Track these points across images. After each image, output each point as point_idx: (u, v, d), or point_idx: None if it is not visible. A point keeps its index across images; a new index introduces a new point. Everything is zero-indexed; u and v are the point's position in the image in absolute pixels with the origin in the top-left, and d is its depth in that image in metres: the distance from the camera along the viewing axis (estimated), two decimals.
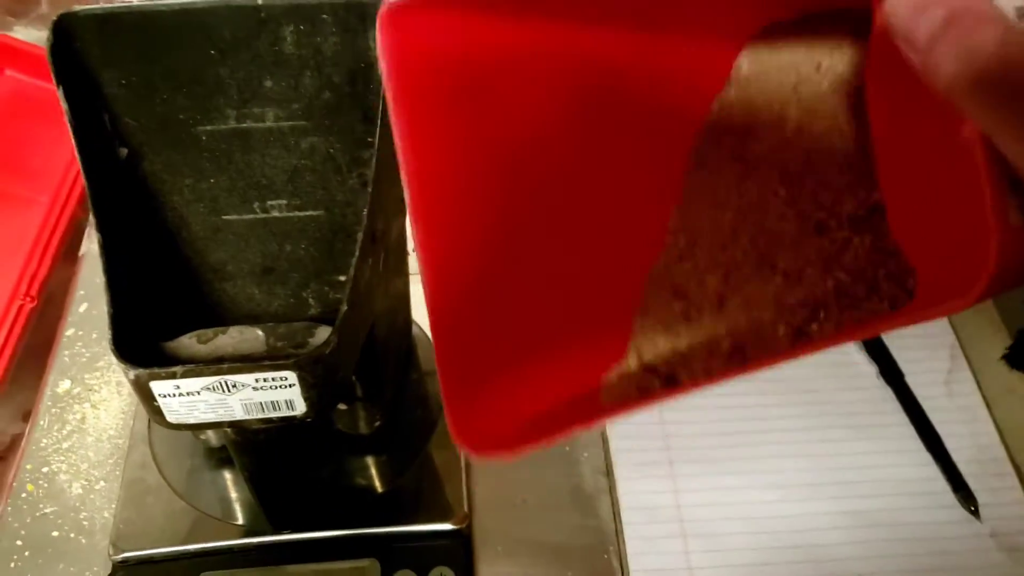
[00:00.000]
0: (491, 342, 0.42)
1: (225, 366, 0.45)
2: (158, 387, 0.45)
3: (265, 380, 0.46)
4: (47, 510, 0.64)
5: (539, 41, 0.43)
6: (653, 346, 0.46)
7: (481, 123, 0.42)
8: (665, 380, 0.44)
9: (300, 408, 0.47)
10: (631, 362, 0.46)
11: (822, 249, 0.43)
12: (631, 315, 0.47)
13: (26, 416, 0.71)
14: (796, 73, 0.48)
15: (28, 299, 0.71)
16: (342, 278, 0.57)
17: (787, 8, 0.47)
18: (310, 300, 0.59)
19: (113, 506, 0.63)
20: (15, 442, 0.72)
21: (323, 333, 0.52)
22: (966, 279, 0.29)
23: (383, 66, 0.37)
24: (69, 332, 0.71)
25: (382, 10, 0.37)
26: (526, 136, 0.43)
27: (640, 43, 0.46)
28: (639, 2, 0.44)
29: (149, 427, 0.67)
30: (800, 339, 0.42)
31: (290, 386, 0.46)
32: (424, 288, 0.40)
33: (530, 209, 0.44)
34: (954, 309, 0.30)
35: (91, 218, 0.47)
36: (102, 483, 0.65)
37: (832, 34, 0.47)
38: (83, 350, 0.70)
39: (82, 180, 0.39)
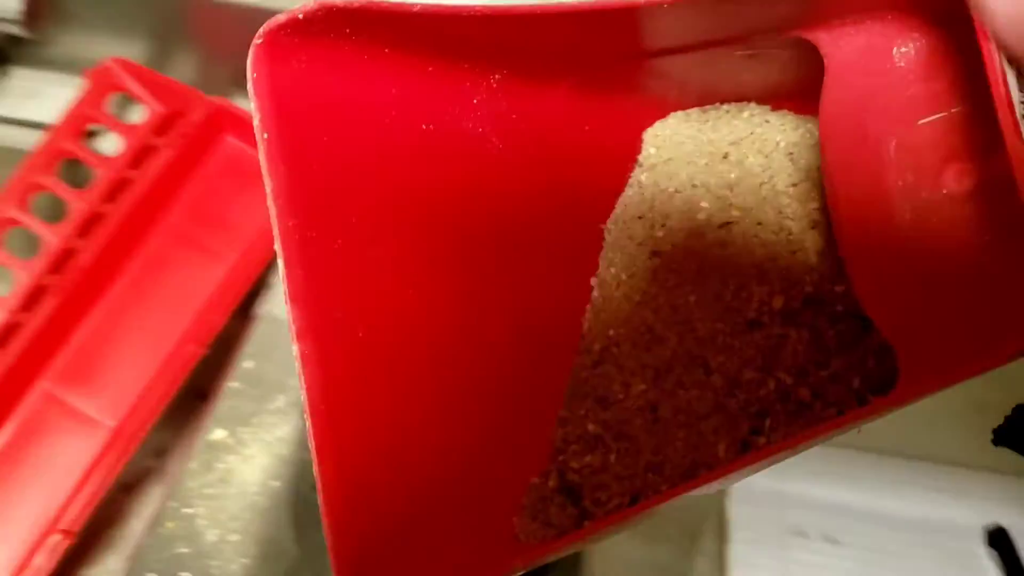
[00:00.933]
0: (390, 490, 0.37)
1: None
2: None
3: None
4: (182, 550, 0.67)
5: (445, 99, 0.40)
6: (578, 462, 0.42)
7: (366, 187, 0.38)
8: (592, 503, 0.40)
9: None
10: (551, 482, 0.42)
11: (759, 347, 0.41)
12: (550, 428, 0.43)
13: (159, 452, 0.75)
14: (709, 153, 0.46)
15: (199, 347, 0.74)
16: None
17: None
18: None
19: (243, 560, 0.66)
20: (145, 474, 0.76)
21: None
22: (987, 340, 0.29)
23: (256, 106, 0.33)
24: (232, 385, 0.75)
25: (260, 35, 0.33)
26: (415, 213, 0.40)
27: (551, 110, 0.43)
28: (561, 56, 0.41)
29: (293, 490, 0.70)
30: (747, 452, 0.39)
31: None
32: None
33: (421, 302, 0.40)
34: (975, 371, 0.29)
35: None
36: (236, 536, 0.68)
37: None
38: (241, 404, 0.74)
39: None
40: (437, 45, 0.38)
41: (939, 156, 0.36)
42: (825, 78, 0.38)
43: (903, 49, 0.36)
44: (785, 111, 0.46)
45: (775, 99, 0.46)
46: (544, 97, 0.43)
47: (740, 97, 0.47)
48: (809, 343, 0.40)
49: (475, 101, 0.40)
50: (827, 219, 0.41)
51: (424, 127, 0.39)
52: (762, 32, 0.39)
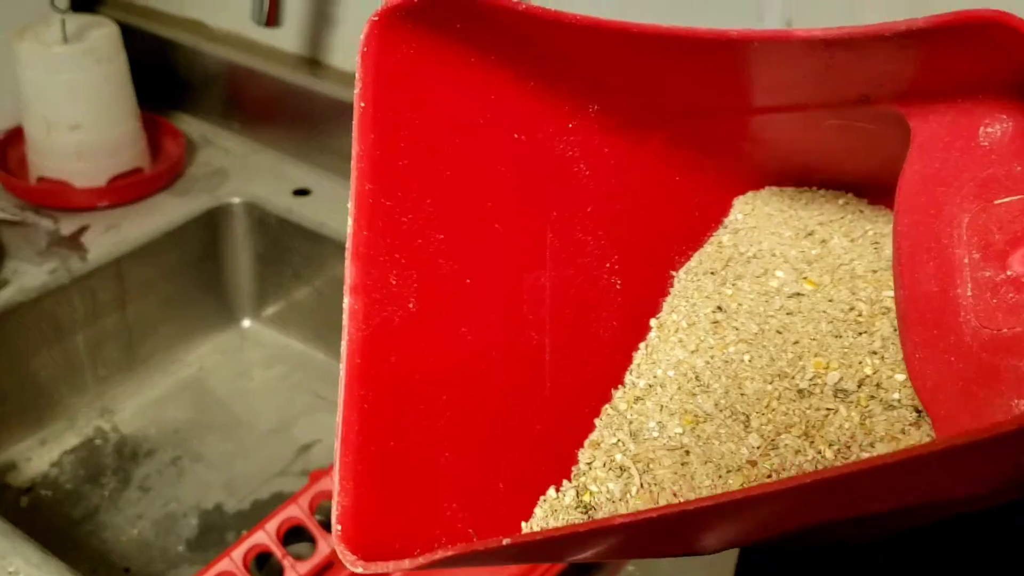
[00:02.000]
0: (413, 452, 0.37)
1: None
2: None
3: None
4: None
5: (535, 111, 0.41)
6: (598, 486, 0.41)
7: (447, 177, 0.39)
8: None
9: None
10: (567, 498, 0.41)
11: (804, 415, 0.40)
12: (577, 446, 0.42)
13: None
14: (795, 227, 0.46)
15: None
16: None
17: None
18: None
19: None
20: None
21: None
22: None
23: (360, 76, 0.36)
24: None
25: (377, 13, 0.36)
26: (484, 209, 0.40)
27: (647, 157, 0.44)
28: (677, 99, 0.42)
29: None
30: None
31: None
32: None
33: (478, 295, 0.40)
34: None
35: None
36: None
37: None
38: None
39: None
40: (542, 58, 0.39)
41: (1009, 237, 0.36)
42: (910, 151, 0.38)
43: (989, 129, 0.36)
44: (882, 207, 0.47)
45: (873, 193, 0.47)
46: (640, 139, 0.44)
47: (838, 184, 0.48)
48: (857, 424, 0.39)
49: (570, 126, 0.42)
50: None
51: (515, 136, 0.41)
52: (856, 101, 0.39)
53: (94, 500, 0.88)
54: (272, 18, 0.94)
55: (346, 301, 0.36)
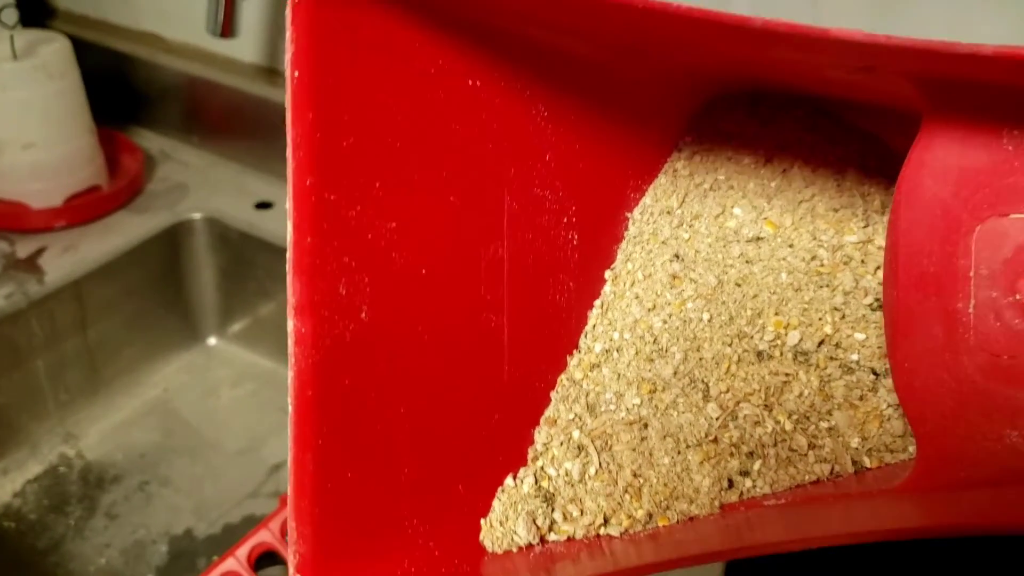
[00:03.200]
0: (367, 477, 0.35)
1: None
2: None
3: None
4: None
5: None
6: (556, 469, 0.39)
7: (399, 156, 0.35)
8: (563, 517, 0.37)
9: None
10: (525, 485, 0.39)
11: (763, 382, 0.38)
12: (533, 425, 0.40)
13: None
14: (752, 152, 0.43)
15: None
16: None
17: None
18: None
19: None
20: None
21: None
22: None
23: (292, 38, 0.30)
24: None
25: None
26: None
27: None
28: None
29: None
30: (729, 492, 0.36)
31: None
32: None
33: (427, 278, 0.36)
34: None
35: None
36: None
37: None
38: None
39: None
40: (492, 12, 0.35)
41: (1021, 259, 0.32)
42: (919, 136, 0.34)
43: (1016, 132, 0.32)
44: (845, 120, 0.43)
45: (839, 106, 0.44)
46: (600, 66, 0.40)
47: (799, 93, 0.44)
48: (816, 391, 0.37)
49: (527, 62, 0.37)
50: (863, 258, 0.39)
51: (470, 83, 0.36)
52: (857, 68, 0.34)
53: (59, 530, 0.85)
54: (227, 28, 0.91)
55: (291, 324, 0.32)
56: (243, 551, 0.69)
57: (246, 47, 1.01)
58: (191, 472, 0.90)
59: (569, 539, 0.37)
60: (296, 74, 0.31)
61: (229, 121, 1.04)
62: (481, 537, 0.38)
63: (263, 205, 0.99)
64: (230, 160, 1.06)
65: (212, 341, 1.04)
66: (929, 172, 0.33)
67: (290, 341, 0.33)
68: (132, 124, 1.10)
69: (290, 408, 0.32)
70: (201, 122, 1.07)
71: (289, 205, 0.32)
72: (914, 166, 0.34)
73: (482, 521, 0.38)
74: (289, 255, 0.32)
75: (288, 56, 0.31)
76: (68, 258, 0.92)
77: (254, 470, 0.90)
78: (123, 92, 1.09)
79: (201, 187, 1.03)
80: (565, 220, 0.41)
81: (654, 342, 0.40)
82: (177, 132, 1.09)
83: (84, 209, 0.96)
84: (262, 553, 0.70)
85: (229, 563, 0.68)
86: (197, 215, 0.99)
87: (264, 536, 0.70)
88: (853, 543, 0.29)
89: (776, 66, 0.37)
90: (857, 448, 0.36)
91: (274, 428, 0.94)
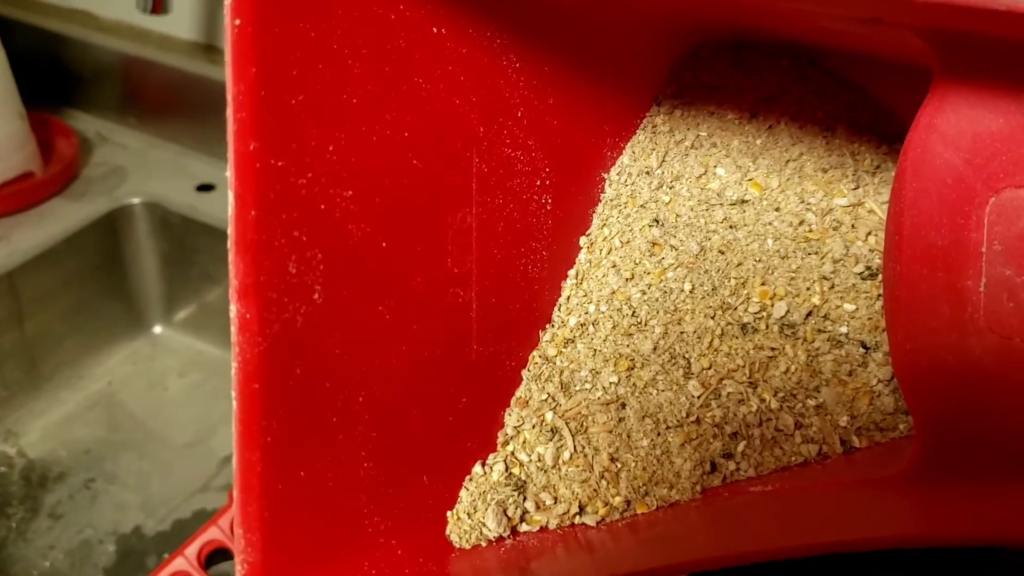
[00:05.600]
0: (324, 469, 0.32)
1: None
2: None
3: None
4: None
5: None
6: (528, 454, 0.36)
7: (355, 110, 0.31)
8: (536, 506, 0.35)
9: None
10: (495, 473, 0.36)
11: (748, 357, 0.35)
12: (503, 407, 0.38)
13: None
14: (736, 106, 0.41)
15: None
16: None
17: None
18: None
19: None
20: None
21: None
22: None
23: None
24: None
25: None
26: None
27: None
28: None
29: None
30: (712, 477, 0.34)
31: None
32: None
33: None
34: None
35: None
36: None
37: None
38: None
39: None
40: None
41: None
42: (929, 96, 0.30)
43: None
44: (833, 72, 0.41)
45: (826, 56, 0.41)
46: (573, 9, 0.37)
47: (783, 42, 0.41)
48: (803, 365, 0.35)
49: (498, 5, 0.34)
50: (853, 222, 0.36)
51: (435, 30, 0.33)
52: (864, 20, 0.31)
53: (0, 532, 0.81)
54: (159, 5, 0.88)
55: (233, 310, 0.29)
56: (192, 549, 0.66)
57: (182, 24, 0.97)
58: (138, 467, 0.87)
59: (542, 529, 0.35)
60: (237, 22, 0.27)
61: (167, 101, 1.00)
62: (448, 532, 0.35)
63: (205, 187, 0.96)
64: (169, 141, 1.02)
65: (157, 330, 1.00)
66: (940, 137, 0.30)
67: (233, 328, 0.29)
68: (66, 106, 1.06)
69: (234, 404, 0.29)
70: (138, 103, 1.03)
71: (230, 174, 0.28)
72: (923, 130, 0.31)
73: (448, 514, 0.36)
74: (231, 231, 0.29)
75: (228, 1, 0.27)
76: (0, 249, 0.88)
77: (204, 463, 0.87)
78: (55, 73, 1.05)
79: (140, 170, 0.99)
80: (538, 183, 0.38)
81: (632, 315, 0.38)
82: (113, 114, 1.05)
83: (16, 197, 0.92)
84: (213, 550, 0.67)
85: (178, 563, 0.65)
86: (136, 200, 0.95)
87: (214, 533, 0.67)
88: (855, 550, 0.27)
89: (772, 12, 0.34)
90: (846, 427, 0.34)
91: (224, 418, 0.91)
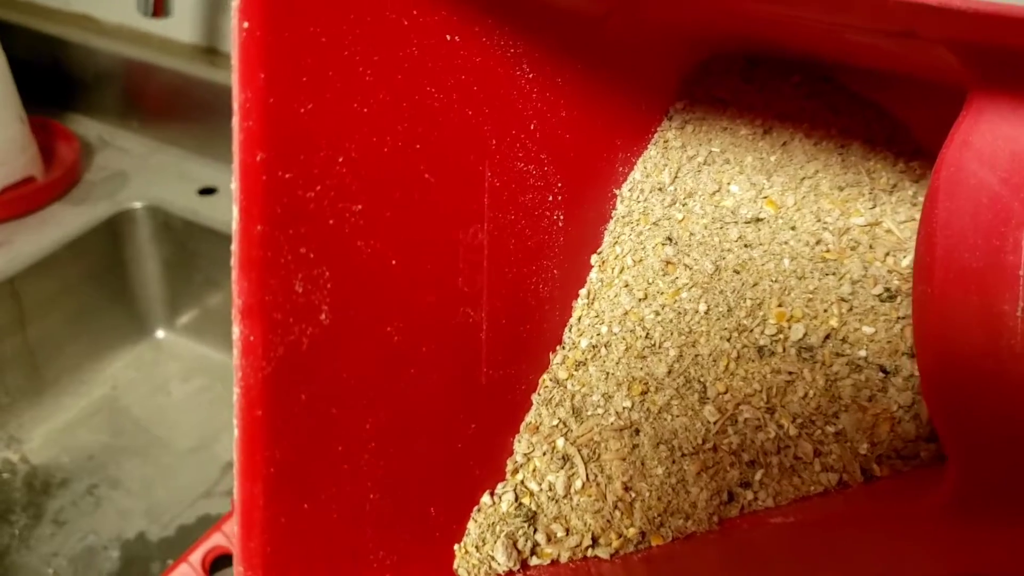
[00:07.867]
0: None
1: None
2: None
3: None
4: None
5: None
6: (538, 483, 0.35)
7: (369, 121, 0.30)
8: (547, 538, 0.34)
9: None
10: (503, 504, 0.35)
11: (765, 382, 0.35)
12: (512, 433, 0.36)
13: None
14: (750, 122, 0.40)
15: None
16: None
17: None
18: None
19: None
20: None
21: None
22: None
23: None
24: None
25: None
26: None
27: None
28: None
29: None
30: (729, 507, 0.33)
31: None
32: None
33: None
34: None
35: None
36: None
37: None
38: None
39: None
40: None
41: None
42: (963, 114, 0.30)
43: None
44: (844, 86, 0.40)
45: (840, 70, 0.40)
46: (588, 22, 0.36)
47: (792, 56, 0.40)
48: (822, 390, 0.34)
49: (511, 14, 0.33)
50: (871, 242, 0.36)
51: (448, 38, 0.32)
52: (896, 33, 0.30)
53: (3, 539, 0.81)
54: (160, 8, 0.87)
55: (236, 332, 0.27)
56: (196, 556, 0.66)
57: (184, 27, 0.97)
58: (142, 473, 0.86)
59: (553, 563, 0.34)
60: (245, 25, 0.26)
61: (169, 104, 1.00)
62: (455, 566, 0.35)
63: (207, 191, 0.95)
64: (171, 145, 1.01)
65: (160, 334, 1.00)
66: (975, 155, 0.29)
67: (236, 351, 0.28)
68: (67, 111, 1.05)
69: (236, 431, 0.28)
70: (140, 106, 1.02)
71: (235, 186, 0.27)
72: (957, 148, 0.30)
73: (456, 547, 0.35)
74: (235, 247, 0.27)
75: (236, 4, 0.26)
76: (2, 254, 0.87)
77: (208, 468, 0.87)
78: (56, 77, 1.04)
79: (142, 174, 0.98)
80: (550, 198, 0.37)
81: (646, 336, 0.37)
82: (115, 118, 1.04)
83: (18, 202, 0.91)
84: (217, 556, 0.67)
85: (182, 569, 0.65)
86: (138, 204, 0.95)
87: (219, 539, 0.67)
88: None
89: (794, 26, 0.33)
90: (866, 455, 0.33)
91: (227, 424, 0.90)
